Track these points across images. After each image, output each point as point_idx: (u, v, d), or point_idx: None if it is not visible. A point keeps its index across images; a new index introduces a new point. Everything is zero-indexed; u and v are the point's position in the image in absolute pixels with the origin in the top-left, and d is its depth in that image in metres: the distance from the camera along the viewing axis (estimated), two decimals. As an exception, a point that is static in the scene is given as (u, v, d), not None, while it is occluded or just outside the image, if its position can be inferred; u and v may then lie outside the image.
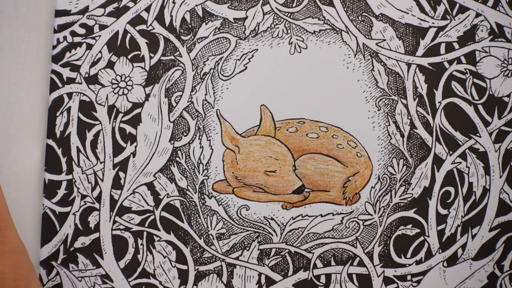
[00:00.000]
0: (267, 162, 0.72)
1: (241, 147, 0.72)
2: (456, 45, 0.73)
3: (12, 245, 0.60)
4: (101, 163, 0.72)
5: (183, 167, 0.72)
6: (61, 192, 0.72)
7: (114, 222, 0.72)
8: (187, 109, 0.73)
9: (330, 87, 0.73)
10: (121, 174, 0.72)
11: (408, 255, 0.72)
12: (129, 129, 0.73)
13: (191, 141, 0.73)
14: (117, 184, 0.72)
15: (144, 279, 0.72)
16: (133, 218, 0.72)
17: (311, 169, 0.72)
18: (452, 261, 0.72)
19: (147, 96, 0.73)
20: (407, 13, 0.73)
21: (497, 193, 0.72)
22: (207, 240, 0.72)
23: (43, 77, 0.71)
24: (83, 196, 0.72)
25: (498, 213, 0.72)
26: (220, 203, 0.72)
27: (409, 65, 0.73)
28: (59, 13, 0.73)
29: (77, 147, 0.73)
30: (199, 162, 0.72)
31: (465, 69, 0.73)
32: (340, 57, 0.73)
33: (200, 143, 0.73)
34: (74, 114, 0.73)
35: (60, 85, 0.73)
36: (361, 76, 0.73)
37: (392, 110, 0.73)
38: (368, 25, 0.74)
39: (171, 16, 0.74)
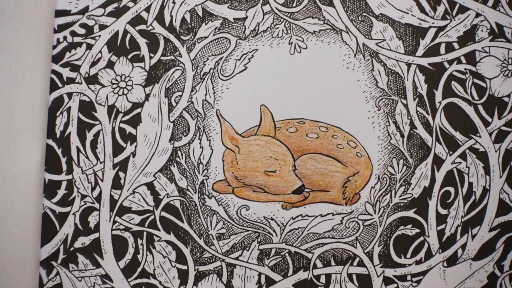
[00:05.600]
0: (267, 162, 0.72)
1: (241, 147, 0.72)
2: (456, 45, 0.73)
3: None
4: (101, 163, 0.72)
5: (183, 167, 0.72)
6: (61, 192, 0.72)
7: (114, 222, 0.72)
8: (187, 109, 0.73)
9: (330, 87, 0.73)
10: (121, 174, 0.72)
11: (408, 255, 0.72)
12: (129, 129, 0.73)
13: (191, 141, 0.73)
14: (117, 184, 0.72)
15: (144, 279, 0.72)
16: (133, 218, 0.72)
17: (311, 169, 0.72)
18: (452, 261, 0.72)
19: (147, 96, 0.73)
20: (407, 13, 0.73)
21: (497, 193, 0.72)
22: (207, 240, 0.72)
23: (43, 77, 0.71)
24: (83, 196, 0.72)
25: (498, 213, 0.72)
26: (220, 203, 0.72)
27: (409, 65, 0.73)
28: (59, 13, 0.74)
29: (77, 147, 0.73)
30: (199, 162, 0.72)
31: (465, 69, 0.73)
32: (340, 57, 0.73)
33: (200, 143, 0.73)
34: (74, 114, 0.73)
35: (60, 85, 0.73)
36: (361, 76, 0.73)
37: (392, 110, 0.73)
38: (368, 25, 0.74)
39: (171, 16, 0.74)
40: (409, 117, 0.73)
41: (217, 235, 0.72)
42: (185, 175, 0.72)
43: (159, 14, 0.74)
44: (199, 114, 0.73)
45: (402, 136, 0.72)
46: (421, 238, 0.72)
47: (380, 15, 0.74)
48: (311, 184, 0.72)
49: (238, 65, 0.73)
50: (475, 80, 0.73)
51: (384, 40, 0.73)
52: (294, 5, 0.74)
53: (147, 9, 0.74)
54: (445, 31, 0.73)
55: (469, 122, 0.73)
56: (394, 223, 0.72)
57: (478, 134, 0.72)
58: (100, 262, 0.72)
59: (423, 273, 0.72)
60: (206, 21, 0.74)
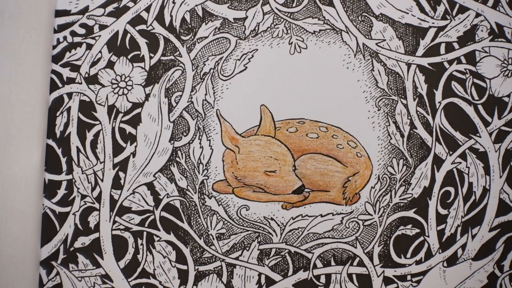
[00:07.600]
0: (267, 162, 0.72)
1: (241, 147, 0.72)
2: (456, 45, 0.73)
3: None
4: (101, 163, 0.72)
5: (183, 167, 0.72)
6: (61, 192, 0.72)
7: (114, 222, 0.72)
8: (187, 109, 0.73)
9: (330, 87, 0.73)
10: (121, 174, 0.72)
11: (408, 255, 0.72)
12: (129, 129, 0.73)
13: (191, 141, 0.73)
14: (117, 184, 0.72)
15: (144, 279, 0.72)
16: (133, 218, 0.72)
17: (311, 169, 0.72)
18: (452, 261, 0.72)
19: (147, 96, 0.73)
20: (407, 13, 0.73)
21: (497, 193, 0.72)
22: (207, 240, 0.72)
23: (43, 77, 0.71)
24: (83, 196, 0.72)
25: (498, 213, 0.72)
26: (220, 203, 0.72)
27: (409, 65, 0.73)
28: (59, 13, 0.74)
29: (77, 147, 0.73)
30: (199, 162, 0.72)
31: (465, 69, 0.73)
32: (340, 57, 0.73)
33: (200, 143, 0.73)
34: (74, 114, 0.73)
35: (60, 85, 0.73)
36: (361, 76, 0.73)
37: (392, 110, 0.73)
38: (368, 25, 0.74)
39: (171, 16, 0.74)
40: (409, 117, 0.73)
41: (217, 235, 0.72)
42: (185, 175, 0.72)
43: (159, 14, 0.74)
44: (199, 114, 0.73)
45: (402, 136, 0.72)
46: (421, 238, 0.72)
47: (380, 15, 0.74)
48: (311, 184, 0.72)
49: (238, 65, 0.73)
50: (475, 80, 0.73)
51: (384, 40, 0.73)
52: (294, 5, 0.74)
53: (147, 9, 0.74)
54: (445, 31, 0.73)
55: (469, 122, 0.73)
56: (394, 223, 0.72)
57: (478, 134, 0.72)
58: (100, 262, 0.72)
59: (423, 273, 0.72)
60: (206, 21, 0.74)
